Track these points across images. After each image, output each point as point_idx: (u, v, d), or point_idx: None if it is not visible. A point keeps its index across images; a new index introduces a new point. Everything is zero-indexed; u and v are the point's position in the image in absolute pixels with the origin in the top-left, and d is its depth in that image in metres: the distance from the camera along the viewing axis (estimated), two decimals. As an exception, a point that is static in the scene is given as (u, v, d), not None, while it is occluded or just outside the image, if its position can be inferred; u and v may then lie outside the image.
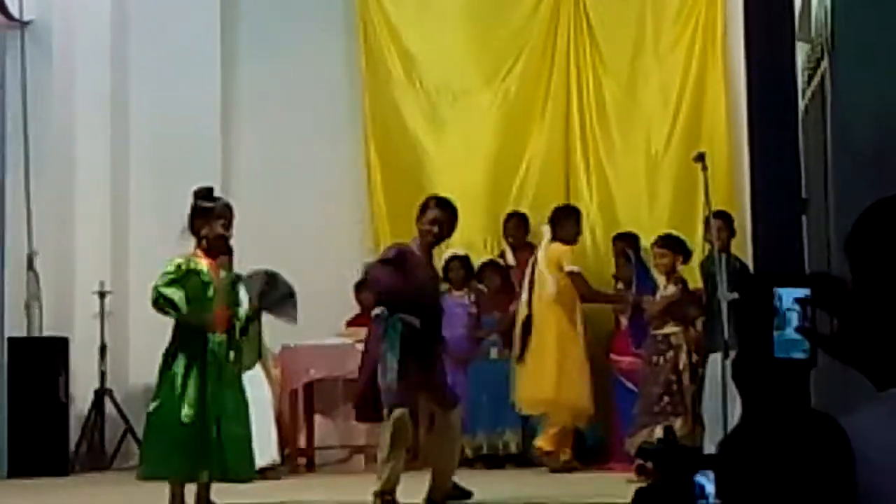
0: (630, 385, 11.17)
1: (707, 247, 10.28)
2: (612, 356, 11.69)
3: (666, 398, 10.46)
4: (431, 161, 13.43)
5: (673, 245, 10.77)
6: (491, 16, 13.48)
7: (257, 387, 11.59)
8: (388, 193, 13.50)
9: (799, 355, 1.93)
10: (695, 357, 10.49)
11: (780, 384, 1.95)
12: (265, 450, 11.44)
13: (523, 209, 12.90)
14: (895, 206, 1.84)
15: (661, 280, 10.78)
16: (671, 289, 10.63)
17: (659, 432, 10.28)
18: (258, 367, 11.67)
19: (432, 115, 13.50)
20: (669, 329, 10.61)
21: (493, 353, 12.14)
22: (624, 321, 11.47)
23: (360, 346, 12.17)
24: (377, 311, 9.17)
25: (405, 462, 9.14)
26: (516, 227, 12.66)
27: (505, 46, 13.44)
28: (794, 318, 1.90)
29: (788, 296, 1.92)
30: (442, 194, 13.13)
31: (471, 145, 13.38)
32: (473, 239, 12.68)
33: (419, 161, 13.45)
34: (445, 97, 13.46)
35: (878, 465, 1.68)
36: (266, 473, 11.39)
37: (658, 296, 10.70)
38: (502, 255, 12.68)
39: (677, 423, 10.38)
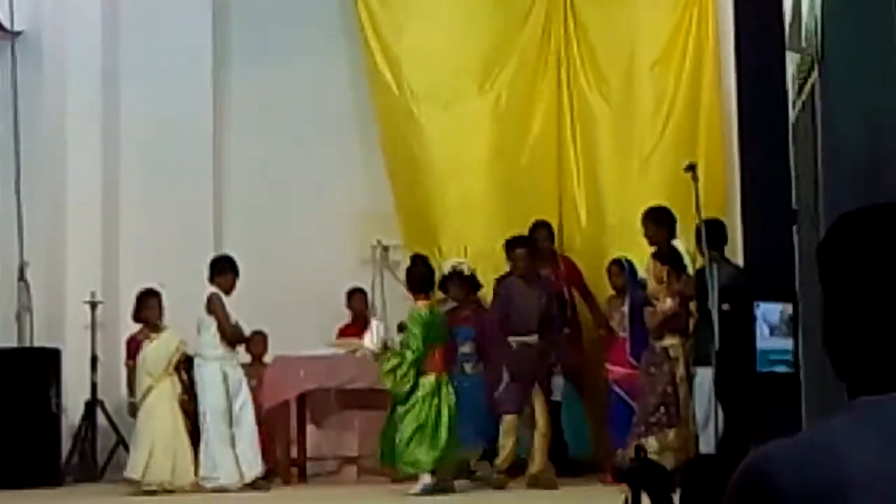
0: (625, 396, 11.07)
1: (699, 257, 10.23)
2: (608, 366, 11.52)
3: (662, 409, 10.44)
4: (425, 168, 13.40)
5: (663, 256, 10.73)
6: (482, 21, 13.46)
7: (245, 397, 11.61)
8: (382, 200, 13.48)
9: (782, 370, 1.93)
10: (692, 368, 10.47)
11: (762, 398, 1.96)
12: (254, 461, 11.45)
13: (516, 215, 12.84)
14: (864, 218, 1.85)
15: (655, 290, 10.73)
16: (668, 302, 10.59)
17: (652, 443, 10.27)
18: (244, 378, 11.69)
19: (424, 121, 13.47)
20: (668, 341, 10.59)
21: (468, 367, 11.76)
22: (621, 331, 11.34)
23: (353, 356, 12.24)
24: None
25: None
26: (544, 237, 12.45)
27: (497, 53, 13.41)
28: (766, 330, 1.91)
29: (766, 309, 1.93)
30: (437, 202, 13.31)
31: (463, 152, 13.35)
32: (468, 246, 12.62)
33: (413, 168, 13.43)
34: (437, 103, 13.43)
35: (849, 474, 1.69)
36: (256, 483, 11.40)
37: (657, 308, 10.68)
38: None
39: (671, 434, 10.37)
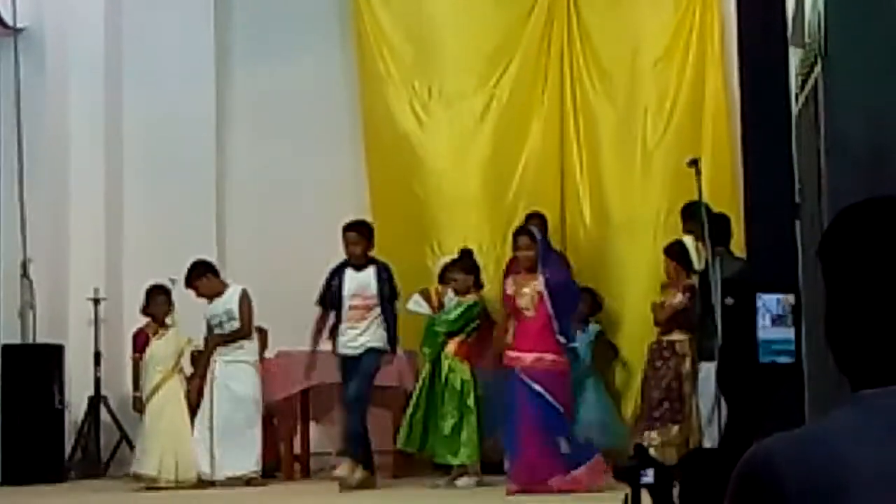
0: (536, 386, 10.29)
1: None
2: (512, 353, 10.55)
3: (666, 404, 10.45)
4: (426, 166, 13.41)
5: (671, 252, 10.76)
6: (485, 19, 13.46)
7: (247, 386, 11.62)
8: (383, 199, 13.48)
9: (784, 360, 1.94)
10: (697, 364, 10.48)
11: (765, 389, 1.97)
12: (237, 459, 11.47)
13: (519, 213, 12.86)
14: (865, 212, 1.85)
15: (671, 288, 10.79)
16: (679, 297, 10.62)
17: (655, 437, 10.28)
18: (251, 368, 11.73)
19: (427, 119, 13.49)
20: (675, 336, 10.60)
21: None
22: (530, 311, 10.50)
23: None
24: None
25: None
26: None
27: (499, 50, 13.41)
28: (768, 321, 1.92)
29: (767, 299, 1.94)
30: (438, 199, 13.31)
31: (466, 149, 13.36)
32: (469, 243, 12.62)
33: (414, 166, 13.43)
34: (440, 102, 13.44)
35: (851, 466, 1.70)
36: (251, 481, 11.44)
37: (667, 302, 10.71)
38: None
39: (674, 430, 10.38)
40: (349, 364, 11.05)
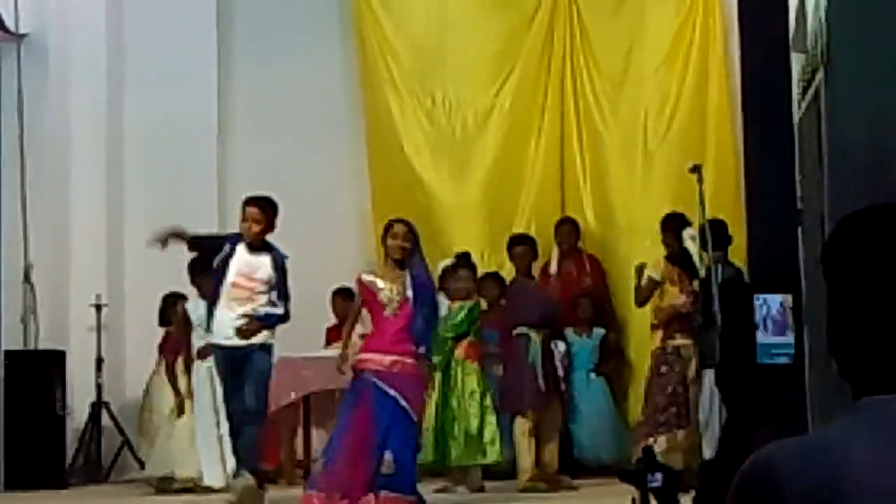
0: (391, 391, 9.14)
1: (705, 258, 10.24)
2: (365, 355, 9.37)
3: (672, 409, 10.45)
4: (428, 172, 13.42)
5: (673, 257, 10.77)
6: (487, 25, 13.47)
7: None
8: (385, 204, 13.48)
9: (783, 361, 1.94)
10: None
11: (764, 390, 1.97)
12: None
13: (521, 221, 12.87)
14: (866, 219, 1.86)
15: (672, 290, 10.80)
16: (682, 298, 10.62)
17: (662, 442, 10.28)
18: None
19: (429, 126, 13.50)
20: (680, 341, 10.60)
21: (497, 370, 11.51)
22: (393, 311, 9.31)
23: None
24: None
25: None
26: (569, 232, 12.49)
27: (501, 56, 13.43)
28: (767, 322, 1.92)
29: (766, 300, 1.94)
30: (440, 204, 13.32)
31: (468, 156, 13.37)
32: (471, 248, 12.63)
33: (416, 172, 13.45)
34: (442, 108, 13.45)
35: (851, 476, 1.70)
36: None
37: (667, 303, 10.72)
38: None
39: (680, 435, 10.38)
40: (235, 360, 9.67)
